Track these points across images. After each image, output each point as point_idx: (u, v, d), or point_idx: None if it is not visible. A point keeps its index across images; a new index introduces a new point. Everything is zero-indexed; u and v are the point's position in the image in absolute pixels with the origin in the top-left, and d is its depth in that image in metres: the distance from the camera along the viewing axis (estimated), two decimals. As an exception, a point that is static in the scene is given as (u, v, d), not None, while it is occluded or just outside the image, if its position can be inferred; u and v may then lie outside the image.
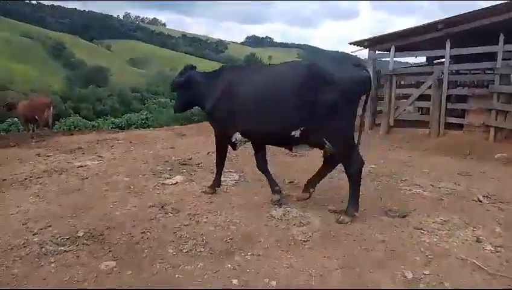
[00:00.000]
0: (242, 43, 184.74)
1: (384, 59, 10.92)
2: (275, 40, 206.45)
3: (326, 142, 3.74)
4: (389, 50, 9.86)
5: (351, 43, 10.37)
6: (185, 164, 6.02)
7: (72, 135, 10.62)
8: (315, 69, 3.70)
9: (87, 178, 5.34)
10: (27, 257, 3.06)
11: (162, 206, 4.16)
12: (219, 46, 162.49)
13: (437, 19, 9.38)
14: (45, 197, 4.53)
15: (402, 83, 11.49)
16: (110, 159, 6.53)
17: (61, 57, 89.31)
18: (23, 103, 12.50)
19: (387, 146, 8.17)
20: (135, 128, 14.59)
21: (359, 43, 10.24)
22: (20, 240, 3.36)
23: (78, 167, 5.99)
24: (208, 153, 6.89)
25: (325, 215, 3.95)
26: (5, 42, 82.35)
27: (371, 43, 10.03)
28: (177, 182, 5.04)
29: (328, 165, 4.30)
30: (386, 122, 9.89)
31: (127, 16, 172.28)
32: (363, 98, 3.90)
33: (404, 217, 3.90)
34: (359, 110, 3.92)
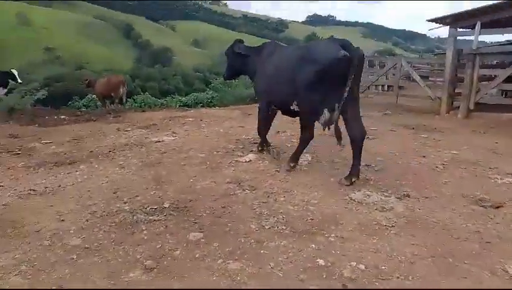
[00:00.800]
0: (303, 22, 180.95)
1: (463, 37, 10.06)
2: (337, 19, 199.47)
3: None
4: (471, 27, 9.04)
5: (430, 20, 9.65)
6: (256, 143, 6.05)
7: (144, 111, 11.15)
8: (302, 52, 4.28)
9: (165, 152, 5.59)
10: (121, 223, 3.27)
11: (239, 183, 4.23)
12: (279, 25, 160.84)
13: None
14: (130, 169, 4.82)
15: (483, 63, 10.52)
16: (184, 136, 6.77)
17: (130, 37, 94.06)
18: (101, 81, 13.38)
19: (468, 131, 7.58)
20: (201, 106, 14.99)
21: (440, 20, 9.50)
22: (113, 207, 3.61)
23: (155, 142, 6.28)
24: (278, 133, 6.89)
25: (407, 200, 3.77)
26: (81, 24, 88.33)
27: (453, 20, 9.25)
28: (250, 160, 5.10)
29: (354, 142, 4.20)
30: (465, 106, 9.17)
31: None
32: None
33: (498, 207, 3.61)
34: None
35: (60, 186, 4.25)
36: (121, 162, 5.14)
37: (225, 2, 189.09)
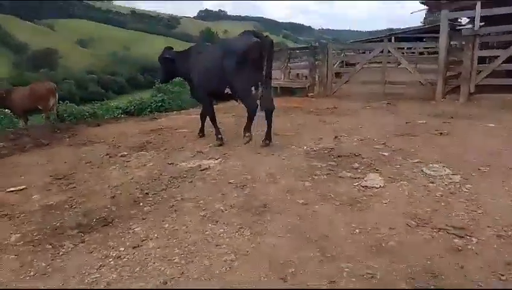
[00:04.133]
0: (195, 18, 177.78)
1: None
2: (229, 14, 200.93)
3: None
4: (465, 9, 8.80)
5: (422, 3, 9.20)
6: (342, 156, 4.63)
7: (99, 125, 8.66)
8: (224, 46, 5.29)
9: (245, 186, 3.85)
10: None
11: (430, 224, 2.85)
12: (171, 21, 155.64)
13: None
14: (229, 225, 3.05)
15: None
16: (225, 155, 4.99)
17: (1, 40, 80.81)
18: (21, 92, 10.32)
19: (500, 114, 7.14)
20: (150, 112, 12.72)
21: (434, 2, 9.08)
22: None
23: (202, 170, 4.44)
24: (336, 138, 5.57)
25: None
26: None
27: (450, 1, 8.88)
28: (383, 186, 3.67)
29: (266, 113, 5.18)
30: (466, 89, 8.93)
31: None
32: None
33: None
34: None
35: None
36: (202, 213, 3.30)
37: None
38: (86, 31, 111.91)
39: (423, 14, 75.45)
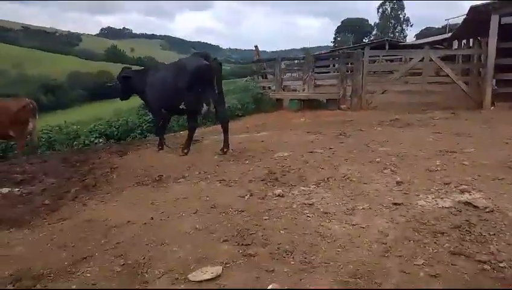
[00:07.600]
0: (98, 35, 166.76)
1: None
2: (134, 32, 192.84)
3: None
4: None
5: (473, 6, 8.75)
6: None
7: (126, 154, 6.31)
8: (179, 65, 5.75)
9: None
10: None
11: None
12: (71, 39, 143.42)
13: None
14: None
15: None
16: (449, 186, 3.46)
17: None
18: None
19: None
20: (139, 134, 10.28)
21: (484, 7, 8.67)
22: None
23: (484, 219, 2.87)
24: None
25: None
26: None
27: (501, 5, 8.53)
28: None
29: (222, 124, 5.75)
30: (521, 96, 8.65)
31: None
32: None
33: None
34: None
35: None
36: None
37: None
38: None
39: (332, 34, 79.84)
